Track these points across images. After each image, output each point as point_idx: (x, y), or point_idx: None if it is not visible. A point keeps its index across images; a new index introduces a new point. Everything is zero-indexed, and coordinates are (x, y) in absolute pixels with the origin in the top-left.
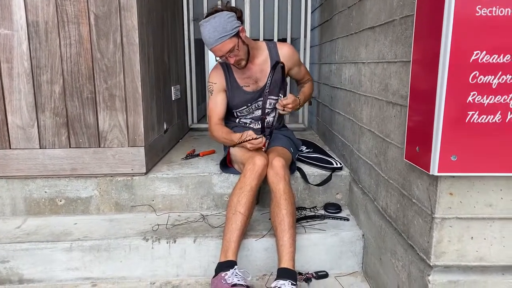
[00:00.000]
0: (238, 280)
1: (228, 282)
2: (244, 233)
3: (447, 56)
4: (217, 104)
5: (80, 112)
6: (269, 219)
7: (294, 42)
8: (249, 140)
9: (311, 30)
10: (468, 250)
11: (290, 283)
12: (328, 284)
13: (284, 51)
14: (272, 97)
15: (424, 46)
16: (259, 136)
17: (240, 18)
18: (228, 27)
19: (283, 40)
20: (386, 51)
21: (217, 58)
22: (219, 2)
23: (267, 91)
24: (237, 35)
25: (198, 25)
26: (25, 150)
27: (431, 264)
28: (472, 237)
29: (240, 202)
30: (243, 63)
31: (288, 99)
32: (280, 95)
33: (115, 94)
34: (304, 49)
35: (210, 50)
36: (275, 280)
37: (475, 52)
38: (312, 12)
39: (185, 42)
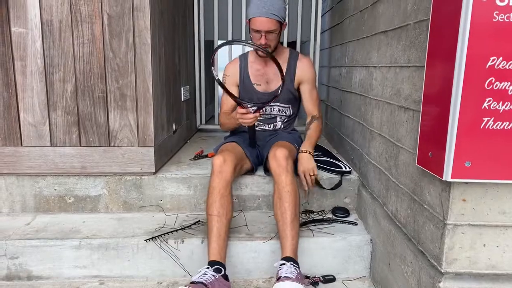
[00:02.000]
0: (196, 278)
1: (192, 279)
2: (226, 231)
3: (463, 62)
4: (227, 97)
5: (91, 111)
6: None
7: (304, 45)
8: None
9: (321, 33)
10: (480, 258)
11: (291, 264)
12: None
13: (302, 62)
14: (282, 104)
15: (440, 51)
16: (249, 107)
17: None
18: (282, 12)
19: (293, 43)
20: (399, 56)
21: (248, 43)
22: None
23: (278, 93)
24: (281, 25)
25: None
26: (36, 148)
27: (442, 271)
28: (484, 245)
29: (212, 204)
30: (269, 51)
31: (302, 179)
32: (288, 106)
33: (126, 94)
34: (314, 52)
35: (252, 20)
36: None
37: (491, 58)
38: (322, 16)
39: (195, 44)
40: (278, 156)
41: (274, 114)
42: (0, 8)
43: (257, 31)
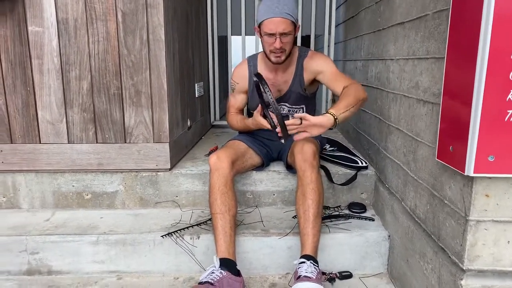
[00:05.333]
0: (204, 278)
1: (199, 279)
2: (231, 227)
3: (486, 53)
4: (236, 101)
5: (106, 108)
6: (293, 217)
7: (318, 39)
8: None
9: (336, 26)
10: (504, 254)
11: (311, 262)
12: (352, 285)
13: (311, 59)
14: (293, 106)
15: (461, 42)
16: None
17: None
18: (295, 12)
19: (307, 37)
20: (417, 47)
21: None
22: None
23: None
24: (295, 27)
25: None
26: (54, 145)
27: (464, 268)
28: (508, 241)
29: (213, 203)
30: (283, 57)
31: (295, 119)
32: (301, 106)
33: (141, 91)
34: (328, 46)
35: (265, 22)
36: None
37: None
38: (336, 9)
39: (209, 39)
40: (306, 151)
41: (285, 114)
42: (16, 8)
43: (271, 35)
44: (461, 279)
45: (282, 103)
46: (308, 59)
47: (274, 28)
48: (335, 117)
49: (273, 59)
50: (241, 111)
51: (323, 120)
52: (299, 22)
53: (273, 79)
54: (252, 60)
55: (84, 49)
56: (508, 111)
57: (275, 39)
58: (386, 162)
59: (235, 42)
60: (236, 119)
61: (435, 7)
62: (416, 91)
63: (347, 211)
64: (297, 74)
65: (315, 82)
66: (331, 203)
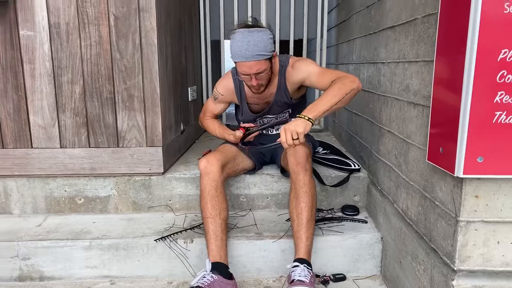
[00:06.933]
0: (195, 283)
1: (191, 284)
2: (222, 231)
3: (473, 55)
4: (216, 108)
5: (99, 112)
6: (287, 220)
7: (311, 43)
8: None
9: (328, 30)
10: (494, 255)
11: (305, 266)
12: (346, 287)
13: (293, 69)
14: (278, 114)
15: (449, 45)
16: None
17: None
18: (268, 47)
19: (299, 41)
20: (407, 51)
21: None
22: (249, 18)
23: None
24: (271, 59)
25: (232, 32)
26: (46, 150)
27: (455, 269)
28: (498, 241)
29: (204, 207)
30: (262, 89)
31: (281, 135)
32: (287, 111)
33: (133, 95)
34: (321, 49)
35: (238, 63)
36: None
37: (503, 51)
38: (328, 13)
39: (202, 44)
40: (299, 154)
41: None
42: (8, 12)
43: (246, 74)
44: (453, 280)
45: (269, 115)
46: (289, 68)
47: (248, 70)
48: (307, 118)
49: (253, 91)
50: (216, 117)
51: (299, 122)
52: (291, 26)
53: (260, 95)
54: (237, 74)
55: (76, 53)
56: (496, 113)
57: (251, 78)
58: (378, 164)
59: (228, 46)
60: (214, 127)
61: (424, 11)
62: (407, 93)
63: (340, 214)
64: (281, 85)
65: (302, 86)
66: (325, 205)
